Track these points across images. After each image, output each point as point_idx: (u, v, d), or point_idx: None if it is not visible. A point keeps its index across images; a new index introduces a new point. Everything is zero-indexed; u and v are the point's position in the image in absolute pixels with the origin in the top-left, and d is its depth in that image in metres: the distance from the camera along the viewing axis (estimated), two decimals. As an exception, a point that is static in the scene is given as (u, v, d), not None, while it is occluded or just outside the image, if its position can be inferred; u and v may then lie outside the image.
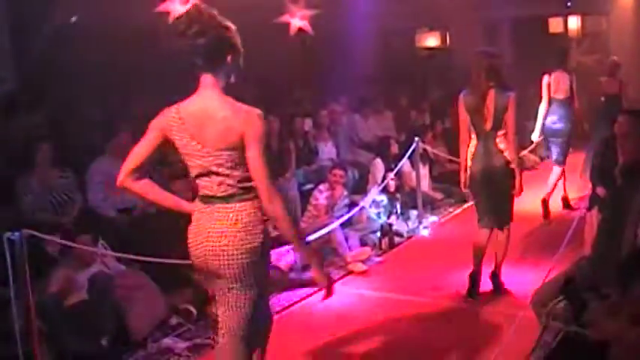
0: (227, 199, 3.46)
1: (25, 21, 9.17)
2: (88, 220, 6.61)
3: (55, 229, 6.08)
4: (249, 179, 3.42)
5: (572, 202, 9.29)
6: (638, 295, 2.58)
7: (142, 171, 3.64)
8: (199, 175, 3.50)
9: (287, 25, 10.79)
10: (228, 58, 3.51)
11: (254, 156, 3.36)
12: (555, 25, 17.38)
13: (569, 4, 15.42)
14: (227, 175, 3.44)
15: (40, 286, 5.46)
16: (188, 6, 8.93)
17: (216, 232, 3.46)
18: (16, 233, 4.05)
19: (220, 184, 3.46)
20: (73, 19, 11.12)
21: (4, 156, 7.43)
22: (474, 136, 6.02)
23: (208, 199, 3.51)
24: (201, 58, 3.44)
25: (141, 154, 3.62)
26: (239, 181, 3.44)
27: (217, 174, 3.44)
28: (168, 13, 8.93)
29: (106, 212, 7.02)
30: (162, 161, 8.03)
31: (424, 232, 8.56)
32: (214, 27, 3.43)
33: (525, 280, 6.38)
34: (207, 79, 3.50)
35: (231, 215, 3.44)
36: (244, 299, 3.52)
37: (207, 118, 3.43)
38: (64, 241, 5.46)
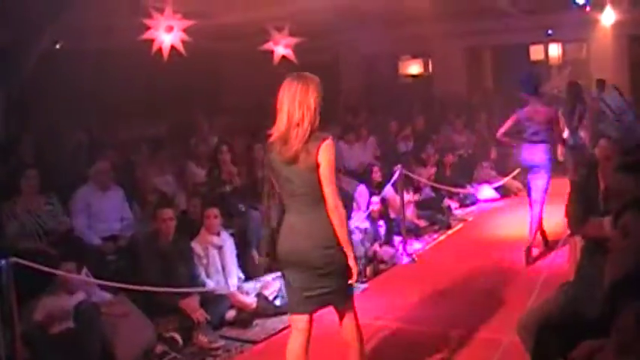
0: None
1: (10, 47, 9.17)
2: (73, 248, 6.58)
3: (40, 257, 6.06)
4: None
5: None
6: (625, 325, 2.60)
7: None
8: None
9: (271, 52, 10.89)
10: None
11: None
12: (536, 52, 17.58)
13: (549, 32, 15.62)
14: None
15: (25, 313, 5.44)
16: (172, 34, 9.08)
17: None
18: (3, 261, 4.03)
19: None
20: (58, 45, 11.14)
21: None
22: None
23: None
24: None
25: None
26: None
27: None
28: (152, 41, 9.01)
29: (91, 240, 6.99)
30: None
31: (408, 259, 8.57)
32: None
33: (510, 305, 6.43)
34: None
35: None
36: None
37: None
38: (48, 269, 5.43)
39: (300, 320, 4.31)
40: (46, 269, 5.42)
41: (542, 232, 8.55)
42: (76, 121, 9.95)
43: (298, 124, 4.04)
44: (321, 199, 4.07)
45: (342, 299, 4.35)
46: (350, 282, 4.26)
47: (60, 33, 10.65)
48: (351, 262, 4.16)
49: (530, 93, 8.26)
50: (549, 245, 8.33)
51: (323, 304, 4.32)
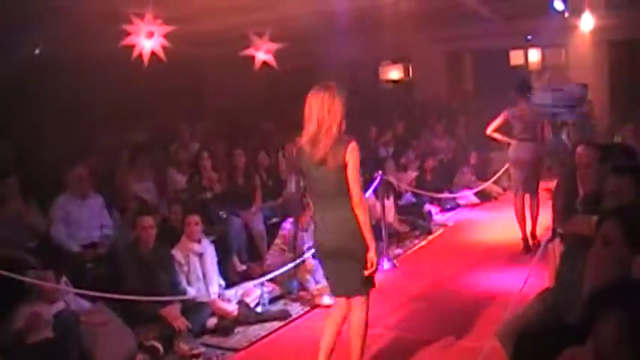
0: None
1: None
2: (52, 256, 6.53)
3: (19, 264, 6.02)
4: None
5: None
6: (604, 333, 2.61)
7: None
8: None
9: (252, 58, 10.86)
10: None
11: None
12: (516, 57, 17.69)
13: (529, 37, 15.71)
14: None
15: (3, 322, 5.40)
16: (153, 40, 9.04)
17: None
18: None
19: None
20: (37, 50, 11.07)
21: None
22: None
23: None
24: None
25: None
26: None
27: None
28: (133, 47, 8.96)
29: (70, 248, 6.94)
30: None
31: (390, 265, 8.58)
32: None
33: (493, 311, 6.46)
34: None
35: None
36: None
37: None
38: (26, 279, 5.39)
39: (334, 303, 5.06)
40: (24, 278, 5.38)
41: (533, 231, 8.99)
42: (56, 127, 9.89)
43: (327, 129, 4.55)
44: (346, 195, 4.59)
45: (356, 289, 4.81)
46: (367, 273, 4.71)
47: (39, 38, 10.60)
48: (371, 254, 4.66)
49: (522, 95, 8.96)
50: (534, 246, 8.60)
51: (342, 292, 4.89)
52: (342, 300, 4.95)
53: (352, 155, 4.57)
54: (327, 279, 5.02)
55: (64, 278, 6.01)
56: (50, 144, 9.41)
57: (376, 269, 4.78)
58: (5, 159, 8.53)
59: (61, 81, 10.13)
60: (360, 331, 4.93)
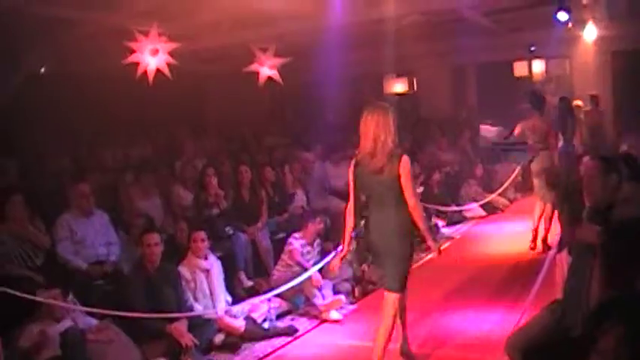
0: None
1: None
2: (59, 274, 6.53)
3: (25, 282, 6.03)
4: None
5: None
6: (605, 349, 2.59)
7: None
8: None
9: (256, 73, 10.88)
10: None
11: None
12: (520, 68, 17.70)
13: (532, 48, 15.72)
14: None
15: (10, 341, 5.39)
16: (158, 57, 9.06)
17: None
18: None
19: None
20: (42, 69, 11.13)
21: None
22: None
23: None
24: None
25: None
26: None
27: None
28: (137, 64, 8.99)
29: (77, 265, 6.93)
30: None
31: (397, 278, 8.53)
32: None
33: (499, 323, 6.43)
34: None
35: None
36: None
37: None
38: (33, 297, 5.38)
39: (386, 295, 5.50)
40: (31, 297, 5.37)
41: (545, 238, 9.36)
42: (60, 145, 9.91)
43: (383, 144, 5.21)
44: (399, 201, 5.25)
45: (393, 286, 5.44)
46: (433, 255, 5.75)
47: (44, 56, 10.65)
48: (431, 243, 5.57)
49: (536, 108, 9.54)
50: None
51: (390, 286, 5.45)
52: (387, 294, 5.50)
53: (405, 167, 5.22)
54: (380, 274, 5.72)
55: (71, 296, 6.01)
56: (54, 160, 9.42)
57: (440, 253, 5.76)
58: (9, 176, 8.53)
59: (65, 98, 10.17)
60: (387, 321, 5.47)
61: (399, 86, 18.85)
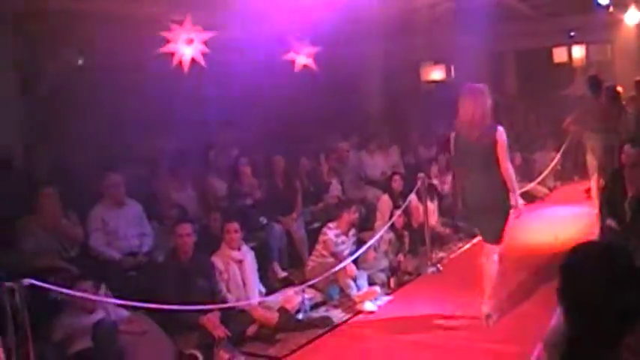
0: None
1: (30, 64, 9.19)
2: (92, 265, 6.53)
3: (58, 274, 6.02)
4: None
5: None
6: (628, 343, 2.44)
7: None
8: None
9: (292, 62, 10.80)
10: None
11: None
12: (559, 54, 17.36)
13: (572, 33, 15.42)
14: None
15: (43, 332, 5.39)
16: (193, 46, 9.02)
17: None
18: (16, 283, 3.96)
19: None
20: (79, 61, 11.16)
21: (8, 200, 7.34)
22: None
23: None
24: None
25: None
26: None
27: None
28: (172, 55, 8.96)
29: (110, 256, 6.91)
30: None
31: (433, 269, 8.42)
32: None
33: (539, 315, 6.27)
34: None
35: None
36: None
37: None
38: (64, 290, 5.36)
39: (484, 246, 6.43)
40: (62, 290, 5.35)
41: None
42: (94, 135, 9.92)
43: (480, 117, 6.09)
44: (494, 165, 6.08)
45: (495, 238, 6.29)
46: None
47: (80, 49, 10.68)
48: (516, 202, 6.30)
49: (594, 92, 10.05)
50: None
51: (489, 239, 6.34)
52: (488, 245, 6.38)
53: (501, 136, 6.08)
54: (479, 230, 6.64)
55: (104, 287, 5.99)
56: (88, 152, 9.43)
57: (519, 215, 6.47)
58: (44, 168, 8.55)
59: (100, 89, 10.17)
60: (493, 270, 6.30)
61: (436, 74, 18.63)
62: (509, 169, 6.16)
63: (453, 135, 6.44)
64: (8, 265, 5.97)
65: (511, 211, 6.31)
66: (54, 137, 9.41)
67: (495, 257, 6.30)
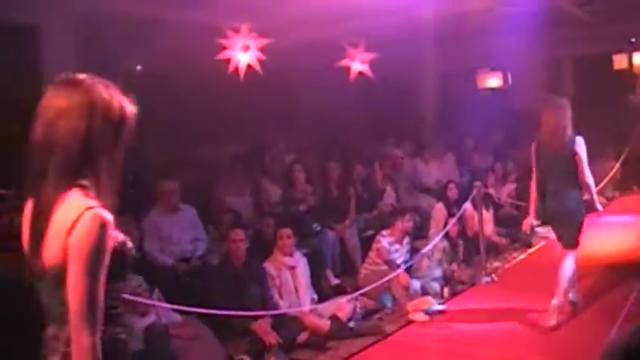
0: None
1: (91, 70, 9.33)
2: (146, 269, 6.58)
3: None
4: None
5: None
6: None
7: None
8: None
9: (347, 69, 10.78)
10: None
11: None
12: (620, 61, 16.96)
13: (632, 40, 15.07)
14: None
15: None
16: (249, 53, 9.07)
17: None
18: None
19: None
20: (138, 67, 11.31)
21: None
22: None
23: None
24: None
25: None
26: None
27: None
28: (228, 61, 9.02)
29: (163, 261, 6.97)
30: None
31: (488, 279, 8.30)
32: None
33: (595, 328, 6.13)
34: None
35: None
36: None
37: None
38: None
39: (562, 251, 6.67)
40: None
41: None
42: (152, 141, 10.03)
43: (562, 129, 6.43)
44: (572, 173, 6.44)
45: (572, 241, 6.56)
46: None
47: (139, 56, 10.82)
48: (597, 204, 6.83)
49: None
50: None
51: (564, 244, 6.63)
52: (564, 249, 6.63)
53: (580, 147, 6.40)
54: (556, 235, 6.85)
55: (157, 291, 6.04)
56: (146, 157, 9.54)
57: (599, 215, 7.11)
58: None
59: (158, 95, 10.28)
60: (567, 274, 6.49)
61: (492, 81, 18.39)
62: (588, 178, 6.51)
63: (534, 145, 6.76)
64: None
65: (586, 216, 6.66)
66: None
67: (571, 261, 6.54)
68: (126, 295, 5.28)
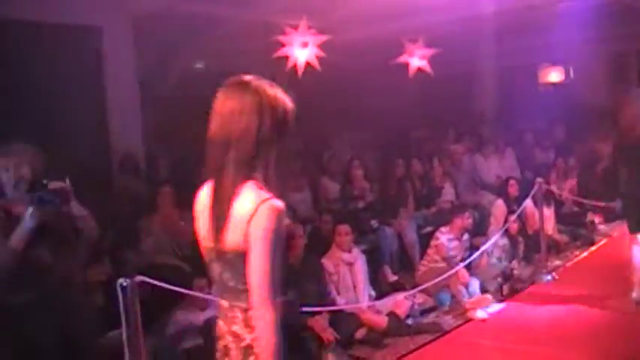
0: None
1: (151, 69, 9.48)
2: (204, 264, 6.65)
3: (174, 272, 6.17)
4: None
5: None
6: None
7: None
8: None
9: (406, 65, 10.73)
10: None
11: None
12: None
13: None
14: None
15: (157, 328, 5.54)
16: (307, 50, 9.10)
17: None
18: (128, 280, 4.08)
19: None
20: (199, 65, 11.45)
21: (133, 202, 7.62)
22: None
23: None
24: None
25: None
26: None
27: None
28: (286, 58, 9.07)
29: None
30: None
31: (548, 278, 8.17)
32: None
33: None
34: None
35: None
36: None
37: None
38: (177, 289, 5.48)
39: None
40: (176, 288, 5.47)
41: None
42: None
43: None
44: None
45: None
46: None
47: (198, 53, 10.95)
48: None
49: None
50: None
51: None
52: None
53: None
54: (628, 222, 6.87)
55: (215, 286, 6.09)
56: (204, 153, 9.67)
57: None
58: (162, 170, 8.79)
59: (216, 92, 10.42)
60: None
61: (554, 75, 18.11)
62: None
63: (613, 143, 7.04)
64: (129, 262, 6.21)
65: None
66: (173, 141, 9.68)
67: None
68: (184, 290, 5.40)
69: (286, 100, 2.64)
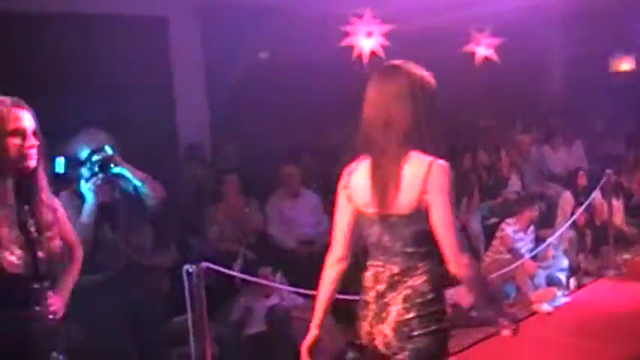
0: None
1: (217, 59, 9.56)
2: (269, 251, 6.73)
3: (239, 259, 6.27)
4: None
5: None
6: None
7: None
8: None
9: (472, 54, 10.62)
10: None
11: None
12: None
13: None
14: None
15: (221, 314, 5.63)
16: (372, 39, 9.07)
17: None
18: (194, 266, 4.16)
19: None
20: (264, 54, 11.50)
21: (200, 192, 7.75)
22: None
23: None
24: None
25: None
26: None
27: None
28: (352, 47, 9.06)
29: (287, 243, 7.12)
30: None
31: (616, 271, 8.01)
32: None
33: None
34: None
35: None
36: None
37: None
38: (241, 275, 5.57)
39: None
40: (239, 275, 5.55)
41: None
42: (276, 128, 10.22)
43: None
44: None
45: None
46: None
47: (262, 44, 11.01)
48: None
49: None
50: None
51: None
52: None
53: None
54: None
55: (279, 274, 6.17)
56: (271, 144, 9.73)
57: None
58: (230, 160, 8.89)
59: (283, 83, 10.45)
60: None
61: (625, 64, 17.67)
62: None
63: None
64: (195, 249, 6.32)
65: None
66: (239, 131, 9.77)
67: None
68: (249, 277, 5.48)
69: (431, 79, 2.95)
